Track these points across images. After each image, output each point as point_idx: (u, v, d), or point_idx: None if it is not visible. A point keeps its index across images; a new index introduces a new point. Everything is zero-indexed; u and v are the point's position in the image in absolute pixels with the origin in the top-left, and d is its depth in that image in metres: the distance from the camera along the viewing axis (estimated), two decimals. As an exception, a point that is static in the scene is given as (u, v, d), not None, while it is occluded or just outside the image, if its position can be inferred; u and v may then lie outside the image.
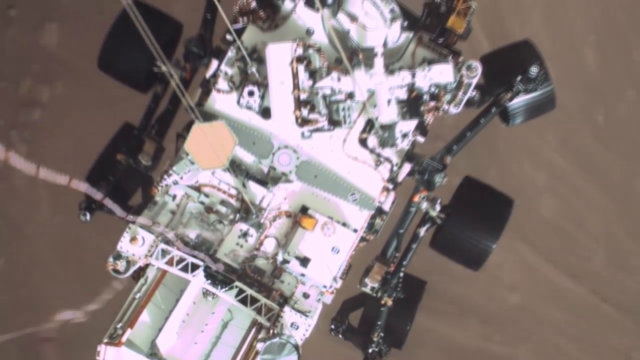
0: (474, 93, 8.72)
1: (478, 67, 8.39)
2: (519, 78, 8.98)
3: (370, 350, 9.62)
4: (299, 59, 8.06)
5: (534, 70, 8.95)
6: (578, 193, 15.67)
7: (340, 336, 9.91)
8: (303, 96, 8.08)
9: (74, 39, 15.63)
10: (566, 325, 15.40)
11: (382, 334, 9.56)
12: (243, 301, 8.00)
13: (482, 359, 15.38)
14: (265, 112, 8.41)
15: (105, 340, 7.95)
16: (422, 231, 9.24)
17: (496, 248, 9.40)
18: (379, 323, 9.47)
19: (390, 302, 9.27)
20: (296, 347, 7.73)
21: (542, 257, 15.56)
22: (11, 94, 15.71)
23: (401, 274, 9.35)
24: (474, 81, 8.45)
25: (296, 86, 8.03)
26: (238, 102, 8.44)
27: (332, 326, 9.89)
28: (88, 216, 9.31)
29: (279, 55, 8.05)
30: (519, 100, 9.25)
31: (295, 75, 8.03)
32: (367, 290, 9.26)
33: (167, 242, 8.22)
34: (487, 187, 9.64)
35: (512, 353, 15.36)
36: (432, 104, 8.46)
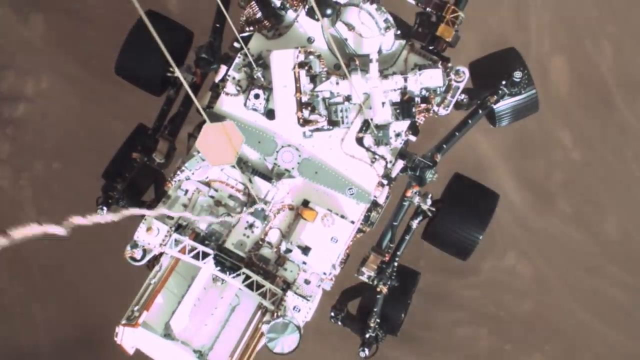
0: (462, 96, 9.26)
1: (465, 72, 8.98)
2: (503, 82, 9.60)
3: (367, 335, 10.06)
4: (301, 65, 8.63)
5: (517, 75, 9.56)
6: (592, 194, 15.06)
7: (339, 323, 10.36)
8: (304, 99, 8.63)
9: (60, 31, 15.30)
10: (583, 329, 14.90)
11: (378, 320, 10.04)
12: (249, 286, 8.55)
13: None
14: (270, 114, 8.96)
15: (123, 322, 8.47)
16: (415, 223, 9.78)
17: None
18: (376, 310, 9.97)
19: (385, 290, 9.76)
20: (298, 327, 8.31)
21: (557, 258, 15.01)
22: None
23: (395, 263, 9.85)
24: (462, 85, 9.01)
25: (298, 89, 8.60)
26: (245, 104, 9.00)
27: (332, 314, 10.36)
28: (105, 210, 9.61)
29: (282, 61, 8.64)
30: (505, 103, 9.78)
31: (297, 80, 8.60)
32: (364, 278, 9.74)
33: (180, 231, 8.85)
34: (475, 183, 10.20)
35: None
36: (423, 106, 8.98)
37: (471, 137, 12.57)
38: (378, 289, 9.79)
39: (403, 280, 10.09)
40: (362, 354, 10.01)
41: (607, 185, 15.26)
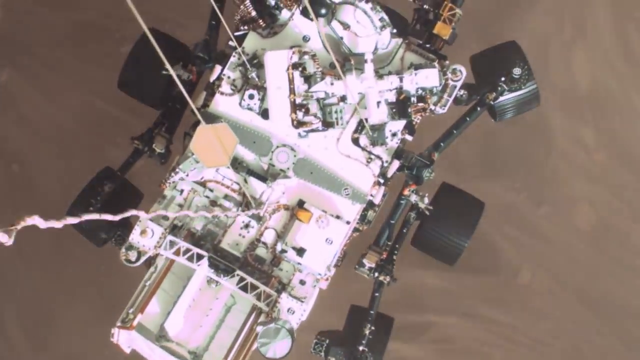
0: (461, 92, 9.19)
1: (462, 71, 8.89)
2: (502, 78, 9.52)
3: (360, 348, 9.93)
4: (295, 66, 8.57)
5: (517, 71, 9.48)
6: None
7: (322, 354, 10.15)
8: (298, 100, 8.57)
9: (20, 15, 14.69)
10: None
11: (372, 328, 9.98)
12: (244, 288, 8.55)
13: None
14: (265, 114, 8.91)
15: (118, 324, 8.51)
16: (412, 216, 9.92)
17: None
18: (372, 312, 10.00)
19: (387, 280, 9.85)
20: (290, 331, 8.27)
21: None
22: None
23: (394, 258, 9.93)
24: (459, 84, 8.93)
25: (292, 91, 8.54)
26: (240, 104, 8.98)
27: (315, 343, 10.20)
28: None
29: (276, 63, 8.56)
30: (505, 98, 9.75)
31: (291, 81, 8.55)
32: (364, 270, 9.83)
33: (175, 232, 8.86)
34: (462, 191, 10.28)
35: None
36: (420, 105, 8.90)
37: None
38: (381, 278, 9.85)
39: (379, 326, 10.19)
40: None
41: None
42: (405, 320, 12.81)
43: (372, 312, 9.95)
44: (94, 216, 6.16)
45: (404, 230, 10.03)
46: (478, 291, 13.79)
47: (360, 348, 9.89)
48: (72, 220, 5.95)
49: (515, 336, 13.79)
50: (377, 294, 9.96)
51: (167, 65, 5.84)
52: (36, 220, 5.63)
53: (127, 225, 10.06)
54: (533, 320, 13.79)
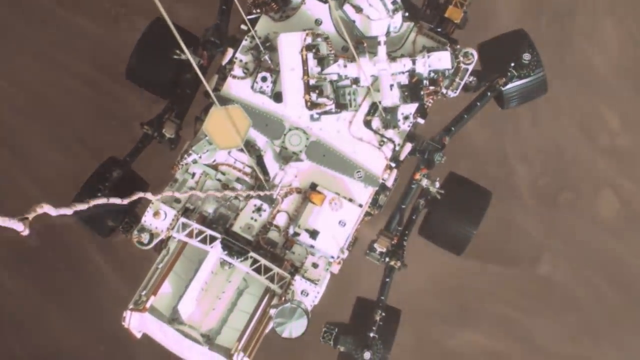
0: (471, 78, 9.23)
1: (474, 55, 8.93)
2: (512, 64, 9.57)
3: (371, 335, 9.90)
4: (308, 48, 8.57)
5: (526, 57, 9.54)
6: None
7: (330, 342, 10.09)
8: (312, 82, 8.58)
9: None
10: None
11: (383, 314, 9.98)
12: (257, 270, 8.56)
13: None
14: (277, 97, 8.94)
15: (131, 307, 8.46)
16: (421, 203, 9.91)
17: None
18: (383, 298, 10.00)
19: (398, 265, 9.85)
20: (306, 311, 8.27)
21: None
22: None
23: (404, 243, 9.93)
24: (470, 67, 8.94)
25: (305, 72, 8.54)
26: (252, 87, 9.00)
27: (322, 338, 10.13)
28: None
29: (290, 44, 8.58)
30: (513, 85, 9.82)
31: (304, 63, 8.55)
32: (375, 256, 9.83)
33: (187, 215, 8.83)
34: (469, 181, 10.32)
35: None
36: (432, 88, 8.92)
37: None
38: (392, 263, 9.88)
39: (386, 321, 10.15)
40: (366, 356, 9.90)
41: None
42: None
43: (382, 297, 9.93)
44: (102, 200, 6.13)
45: (414, 217, 10.03)
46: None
47: (371, 335, 9.85)
48: (82, 207, 5.93)
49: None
50: (387, 280, 9.95)
51: (184, 48, 5.84)
52: (46, 209, 5.60)
53: (134, 213, 10.04)
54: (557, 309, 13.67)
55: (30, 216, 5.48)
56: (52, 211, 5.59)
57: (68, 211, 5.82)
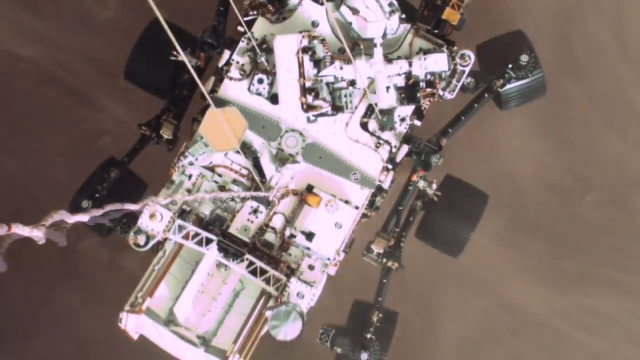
0: (469, 80, 9.24)
1: (471, 57, 8.92)
2: (510, 66, 9.55)
3: (368, 336, 9.93)
4: (305, 50, 8.57)
5: (524, 58, 9.53)
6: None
7: (327, 344, 10.18)
8: (308, 84, 8.58)
9: None
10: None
11: (380, 315, 10.02)
12: (253, 272, 8.55)
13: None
14: (274, 98, 8.92)
15: (127, 308, 8.47)
16: (418, 205, 9.89)
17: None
18: (380, 299, 10.01)
19: (395, 266, 9.86)
20: (301, 314, 8.27)
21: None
22: None
23: (402, 245, 9.94)
24: (467, 69, 8.95)
25: (302, 75, 8.55)
26: (249, 88, 8.97)
27: (320, 339, 10.24)
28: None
29: (286, 47, 8.57)
30: (512, 86, 9.82)
31: (300, 65, 8.56)
32: (372, 257, 9.86)
33: (183, 217, 8.84)
34: (466, 183, 10.32)
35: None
36: (428, 90, 8.94)
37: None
38: (389, 264, 9.90)
39: (385, 322, 10.23)
40: (363, 357, 9.91)
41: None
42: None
43: (380, 299, 9.93)
44: (117, 206, 6.15)
45: (411, 219, 10.03)
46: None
47: (368, 335, 9.85)
48: (97, 212, 5.95)
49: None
50: (384, 281, 9.97)
51: (179, 50, 5.85)
52: (64, 215, 5.60)
53: (132, 214, 10.04)
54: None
55: (47, 223, 5.50)
56: (68, 218, 5.60)
57: (84, 217, 5.84)
